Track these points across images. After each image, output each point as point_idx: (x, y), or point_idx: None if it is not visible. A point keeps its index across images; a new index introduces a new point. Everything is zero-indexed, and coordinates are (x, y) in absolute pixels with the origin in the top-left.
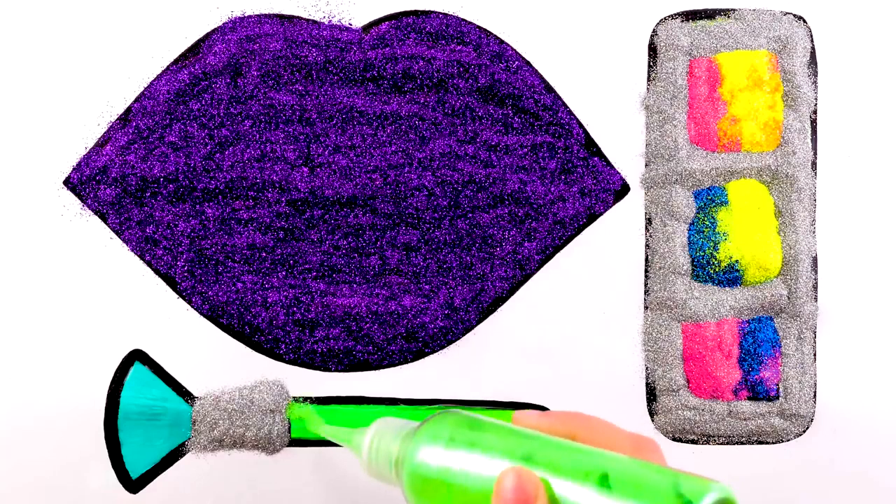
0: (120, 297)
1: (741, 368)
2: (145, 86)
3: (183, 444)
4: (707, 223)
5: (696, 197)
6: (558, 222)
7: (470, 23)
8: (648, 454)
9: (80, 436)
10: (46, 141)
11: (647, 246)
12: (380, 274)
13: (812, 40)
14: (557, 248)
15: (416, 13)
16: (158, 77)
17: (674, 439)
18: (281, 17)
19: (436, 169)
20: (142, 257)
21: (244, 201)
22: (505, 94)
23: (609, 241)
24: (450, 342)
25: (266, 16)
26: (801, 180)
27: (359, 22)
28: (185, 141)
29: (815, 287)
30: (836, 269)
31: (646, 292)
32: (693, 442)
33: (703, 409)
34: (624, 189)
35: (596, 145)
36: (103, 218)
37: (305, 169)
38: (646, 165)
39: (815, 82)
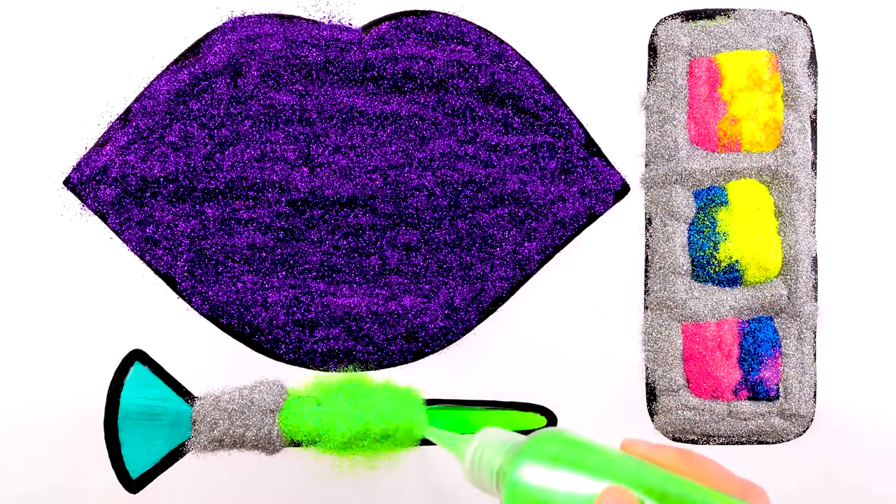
0: (120, 297)
1: (741, 368)
2: (145, 86)
3: (183, 444)
4: (707, 223)
5: (696, 197)
6: (558, 222)
7: (470, 23)
8: (756, 501)
9: (80, 436)
10: (46, 141)
11: (647, 246)
12: (380, 274)
13: (812, 40)
14: (557, 248)
15: (416, 13)
16: (158, 77)
17: (674, 439)
18: (281, 17)
19: (436, 169)
20: (142, 257)
21: (244, 201)
22: (505, 94)
23: (609, 241)
24: (450, 342)
25: (266, 16)
26: (801, 180)
27: (359, 22)
28: (185, 141)
29: (815, 287)
30: (836, 269)
31: (646, 292)
32: (693, 442)
33: (703, 409)
34: (624, 189)
35: (596, 145)
36: (103, 218)
37: (305, 169)
38: (646, 165)
39: (815, 82)
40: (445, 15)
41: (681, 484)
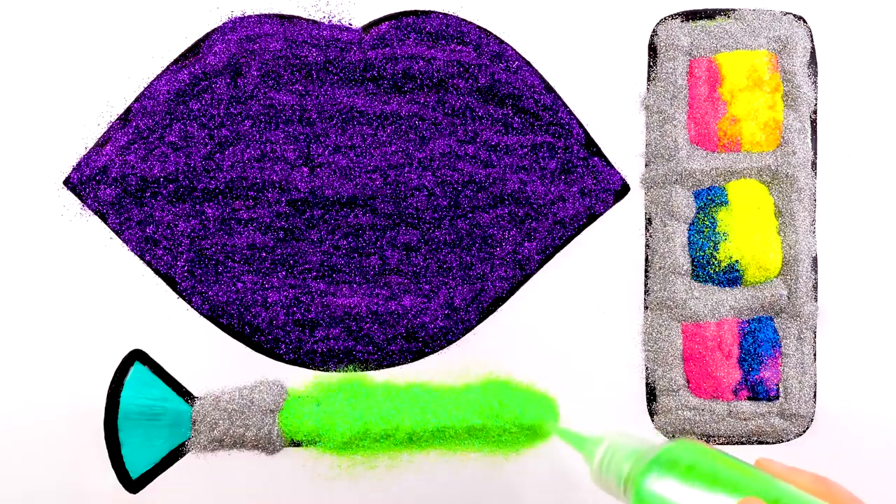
0: (120, 297)
1: (741, 368)
2: (145, 86)
3: (183, 444)
4: (707, 223)
5: (696, 197)
6: (558, 222)
7: (470, 23)
8: None
9: (80, 436)
10: (46, 141)
11: (647, 246)
12: (380, 274)
13: (812, 40)
14: (557, 248)
15: (416, 13)
16: (158, 77)
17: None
18: (281, 17)
19: (436, 169)
20: (142, 257)
21: (244, 201)
22: (505, 94)
23: (609, 241)
24: (450, 342)
25: (266, 16)
26: (801, 180)
27: (359, 22)
28: (185, 141)
29: (815, 287)
30: (836, 269)
31: (646, 292)
32: None
33: (703, 409)
34: (624, 189)
35: (596, 145)
36: (103, 218)
37: (305, 169)
38: (646, 165)
39: (815, 82)
40: (445, 15)
41: None
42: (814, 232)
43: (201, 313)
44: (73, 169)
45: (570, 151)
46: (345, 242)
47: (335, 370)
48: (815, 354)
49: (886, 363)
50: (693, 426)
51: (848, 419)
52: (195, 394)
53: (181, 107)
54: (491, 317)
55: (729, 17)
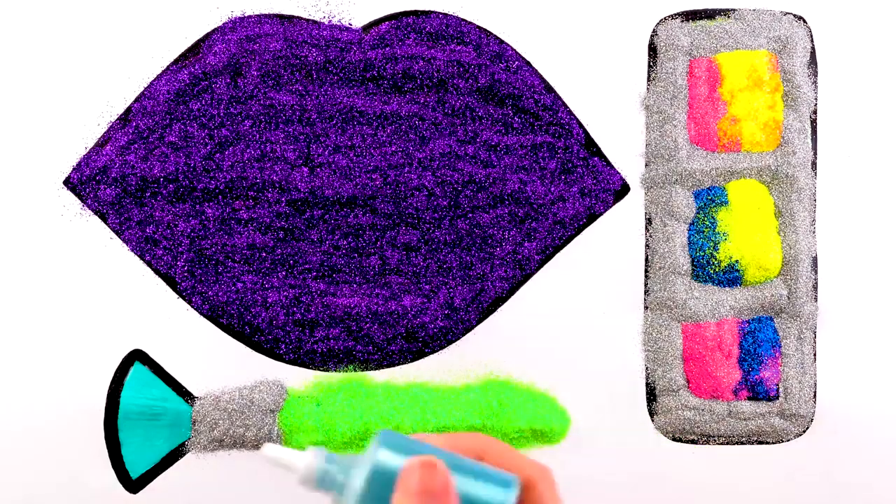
0: (120, 297)
1: (741, 368)
2: (145, 86)
3: (183, 444)
4: (707, 223)
5: (696, 197)
6: (558, 222)
7: (470, 23)
8: (541, 481)
9: (80, 436)
10: (46, 141)
11: (647, 246)
12: (380, 274)
13: (812, 40)
14: (557, 248)
15: (416, 13)
16: (158, 77)
17: (674, 439)
18: (281, 17)
19: (436, 169)
20: (142, 257)
21: (244, 201)
22: (505, 94)
23: (609, 241)
24: (450, 342)
25: (266, 16)
26: (801, 180)
27: (359, 22)
28: (185, 141)
29: (815, 287)
30: (836, 269)
31: (646, 292)
32: (693, 442)
33: (703, 409)
34: (624, 189)
35: (596, 145)
36: (103, 218)
37: (305, 169)
38: (646, 165)
39: (815, 82)
40: (445, 15)
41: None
42: (814, 232)
43: (201, 313)
44: (73, 169)
45: (570, 151)
46: (345, 242)
47: (335, 370)
48: (815, 354)
49: (886, 363)
50: (693, 426)
51: (848, 419)
52: (195, 394)
53: (181, 107)
54: (491, 317)
55: (729, 17)
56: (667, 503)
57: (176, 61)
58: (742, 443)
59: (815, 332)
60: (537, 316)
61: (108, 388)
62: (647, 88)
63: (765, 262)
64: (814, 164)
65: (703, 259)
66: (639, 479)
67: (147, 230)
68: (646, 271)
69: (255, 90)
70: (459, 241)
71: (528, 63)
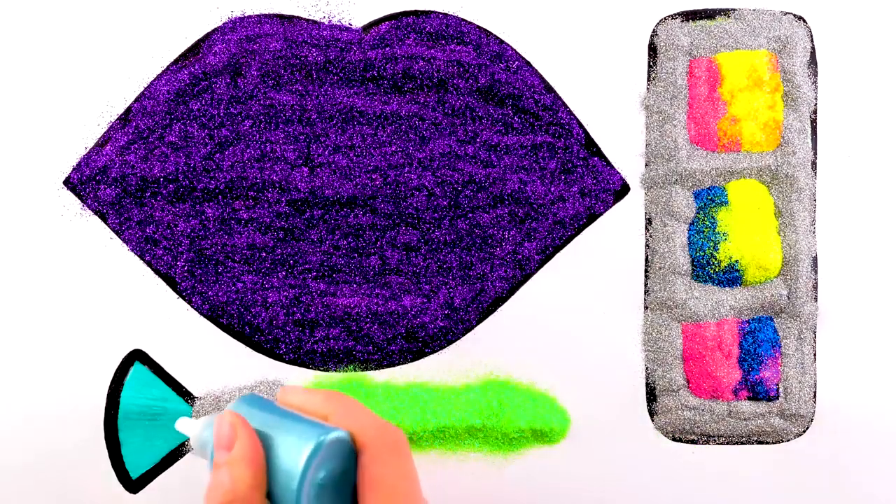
0: (120, 297)
1: (741, 368)
2: (145, 86)
3: (183, 444)
4: (707, 223)
5: (696, 197)
6: (558, 222)
7: (470, 23)
8: (392, 444)
9: (80, 436)
10: (46, 141)
11: (647, 246)
12: (380, 274)
13: (812, 40)
14: (557, 248)
15: (416, 13)
16: (158, 77)
17: (674, 439)
18: (281, 17)
19: (436, 169)
20: (142, 257)
21: (244, 201)
22: (505, 94)
23: (609, 241)
24: (450, 342)
25: (266, 16)
26: (801, 180)
27: (359, 22)
28: (185, 141)
29: (815, 287)
30: (836, 269)
31: (646, 292)
32: (693, 442)
33: (703, 409)
34: (624, 189)
35: (596, 145)
36: (103, 218)
37: (305, 169)
38: (646, 165)
39: (815, 82)
40: (445, 15)
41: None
42: (814, 232)
43: (201, 313)
44: (73, 169)
45: (570, 151)
46: (345, 242)
47: (335, 370)
48: (815, 354)
49: (886, 363)
50: (693, 426)
51: (848, 419)
52: (195, 394)
53: (181, 107)
54: (491, 317)
55: (729, 17)
56: (667, 503)
57: (176, 61)
58: (742, 443)
59: (815, 332)
60: (537, 316)
61: (108, 388)
62: (647, 88)
63: (765, 262)
64: (814, 164)
65: (703, 259)
66: (639, 479)
67: (147, 230)
68: (646, 271)
69: (255, 90)
70: (459, 241)
71: (528, 63)
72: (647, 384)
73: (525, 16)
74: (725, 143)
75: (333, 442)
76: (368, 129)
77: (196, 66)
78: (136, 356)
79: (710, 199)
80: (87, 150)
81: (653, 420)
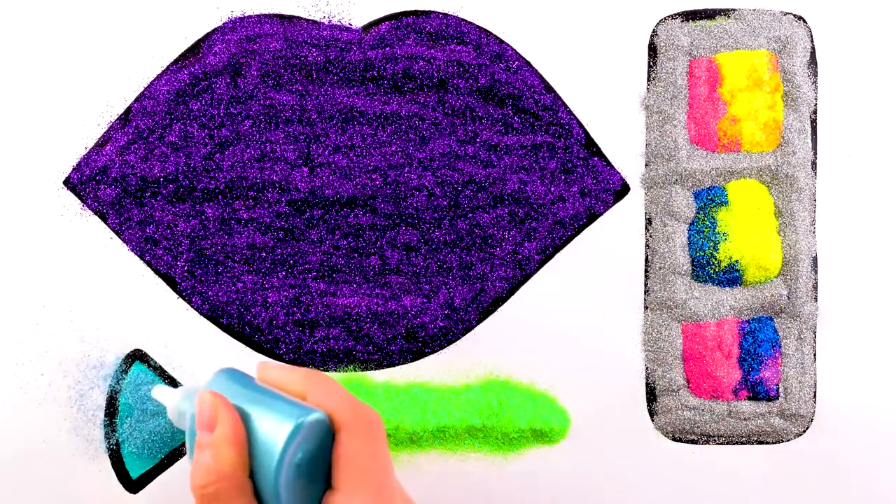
0: (120, 297)
1: (741, 368)
2: (145, 86)
3: (183, 444)
4: (707, 223)
5: (696, 197)
6: (558, 222)
7: (470, 23)
8: (367, 424)
9: (80, 436)
10: (46, 141)
11: (647, 246)
12: (380, 274)
13: (812, 40)
14: (557, 248)
15: (416, 13)
16: (158, 77)
17: (674, 439)
18: (281, 17)
19: (436, 169)
20: (142, 257)
21: (244, 201)
22: (505, 94)
23: (609, 241)
24: (450, 342)
25: (266, 16)
26: (801, 180)
27: (359, 22)
28: (185, 141)
29: (815, 287)
30: (836, 269)
31: (646, 292)
32: (693, 442)
33: (703, 409)
34: (624, 189)
35: (596, 145)
36: (103, 218)
37: (305, 169)
38: (646, 165)
39: (815, 82)
40: (445, 15)
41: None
42: (814, 232)
43: (201, 313)
44: (73, 169)
45: (570, 151)
46: (345, 242)
47: (335, 370)
48: (815, 354)
49: (886, 363)
50: (693, 426)
51: (848, 419)
52: None
53: (181, 107)
54: (491, 317)
55: (729, 17)
56: (667, 503)
57: (176, 61)
58: (742, 443)
59: (815, 332)
60: (537, 316)
61: (108, 388)
62: (647, 88)
63: (765, 262)
64: (814, 164)
65: (703, 259)
66: (639, 479)
67: (147, 230)
68: (646, 271)
69: (255, 90)
70: (459, 241)
71: (528, 63)
72: (647, 384)
73: (525, 16)
74: (725, 143)
75: (312, 423)
76: (368, 129)
77: (196, 66)
78: (136, 356)
79: (710, 199)
80: (87, 150)
81: (653, 420)
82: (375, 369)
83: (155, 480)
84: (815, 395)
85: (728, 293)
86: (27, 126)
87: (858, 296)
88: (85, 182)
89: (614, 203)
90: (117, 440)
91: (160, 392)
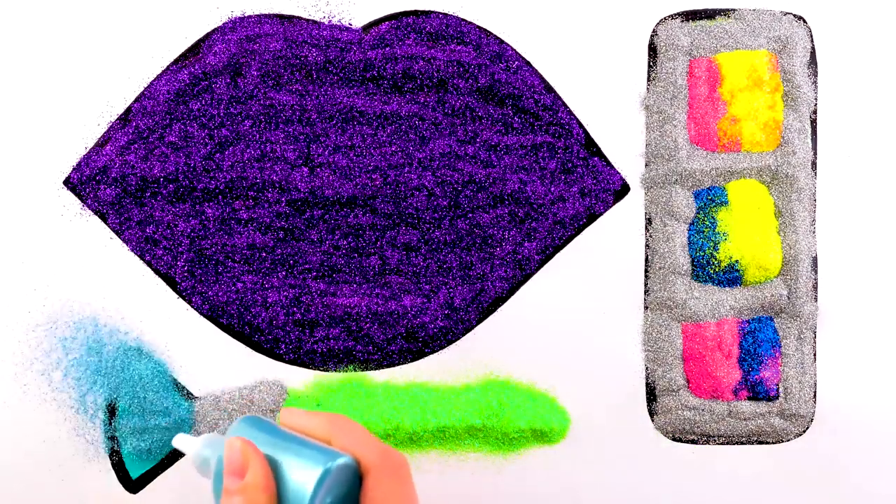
0: (120, 297)
1: (741, 368)
2: (145, 86)
3: None
4: (707, 223)
5: (696, 197)
6: (558, 222)
7: (470, 23)
8: (395, 467)
9: (80, 436)
10: (46, 141)
11: (647, 246)
12: (380, 274)
13: (812, 40)
14: (557, 248)
15: (416, 13)
16: (158, 77)
17: (674, 439)
18: (281, 17)
19: (436, 169)
20: (142, 257)
21: (244, 201)
22: (505, 94)
23: (609, 241)
24: (450, 342)
25: (266, 16)
26: (801, 180)
27: (359, 22)
28: (185, 141)
29: (815, 287)
30: (836, 269)
31: (646, 292)
32: (693, 442)
33: (703, 409)
34: (624, 189)
35: (596, 145)
36: (103, 218)
37: (305, 169)
38: (646, 165)
39: (815, 82)
40: (445, 15)
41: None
42: (814, 232)
43: (201, 313)
44: (73, 169)
45: (570, 151)
46: (345, 242)
47: (335, 370)
48: (815, 354)
49: (886, 363)
50: (693, 426)
51: (848, 419)
52: (195, 394)
53: (181, 107)
54: (491, 317)
55: (729, 17)
56: (667, 503)
57: (176, 61)
58: (742, 443)
59: (815, 332)
60: (537, 316)
61: (107, 388)
62: (647, 88)
63: (765, 262)
64: (814, 164)
65: (703, 259)
66: (639, 479)
67: (147, 230)
68: (646, 271)
69: (255, 90)
70: (459, 241)
71: (528, 63)
72: (647, 384)
73: (525, 16)
74: (725, 143)
75: (341, 468)
76: (368, 129)
77: (196, 66)
78: (136, 356)
79: (710, 199)
80: (87, 150)
81: (653, 420)
82: (375, 369)
83: (155, 480)
84: (815, 395)
85: (728, 293)
86: (27, 126)
87: (858, 296)
88: (85, 182)
89: (614, 203)
90: (117, 440)
91: (181, 440)
